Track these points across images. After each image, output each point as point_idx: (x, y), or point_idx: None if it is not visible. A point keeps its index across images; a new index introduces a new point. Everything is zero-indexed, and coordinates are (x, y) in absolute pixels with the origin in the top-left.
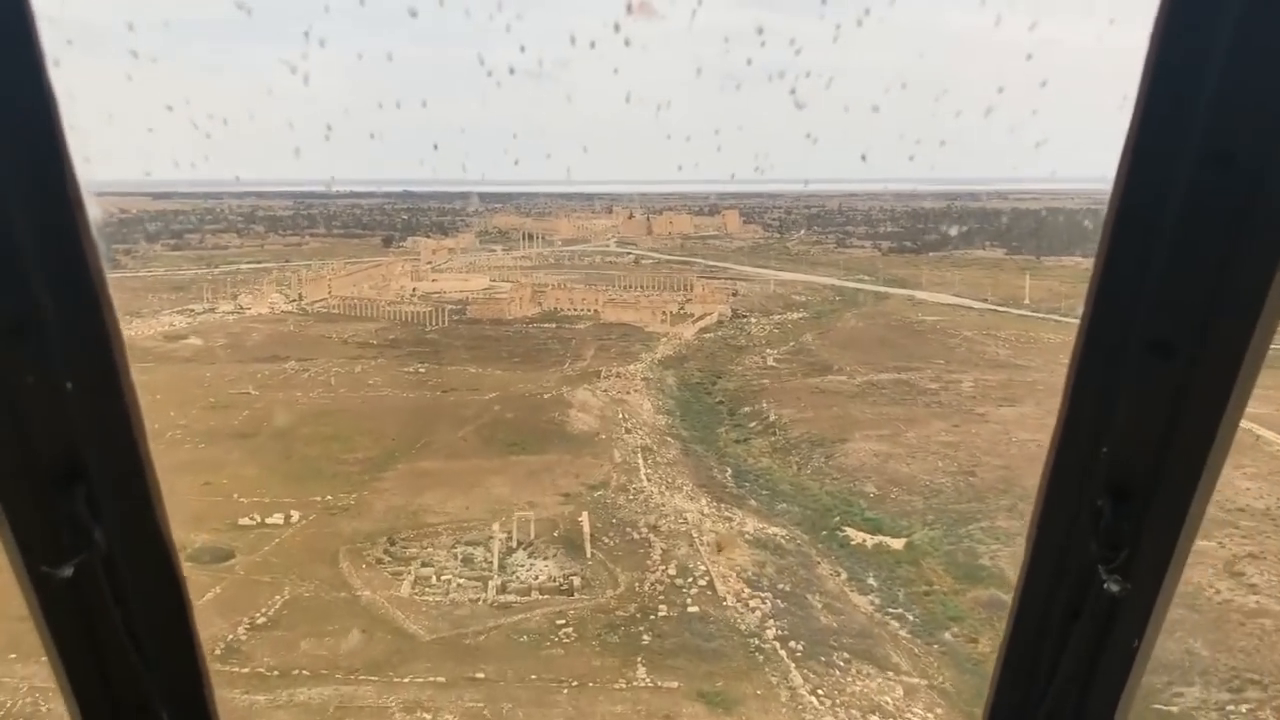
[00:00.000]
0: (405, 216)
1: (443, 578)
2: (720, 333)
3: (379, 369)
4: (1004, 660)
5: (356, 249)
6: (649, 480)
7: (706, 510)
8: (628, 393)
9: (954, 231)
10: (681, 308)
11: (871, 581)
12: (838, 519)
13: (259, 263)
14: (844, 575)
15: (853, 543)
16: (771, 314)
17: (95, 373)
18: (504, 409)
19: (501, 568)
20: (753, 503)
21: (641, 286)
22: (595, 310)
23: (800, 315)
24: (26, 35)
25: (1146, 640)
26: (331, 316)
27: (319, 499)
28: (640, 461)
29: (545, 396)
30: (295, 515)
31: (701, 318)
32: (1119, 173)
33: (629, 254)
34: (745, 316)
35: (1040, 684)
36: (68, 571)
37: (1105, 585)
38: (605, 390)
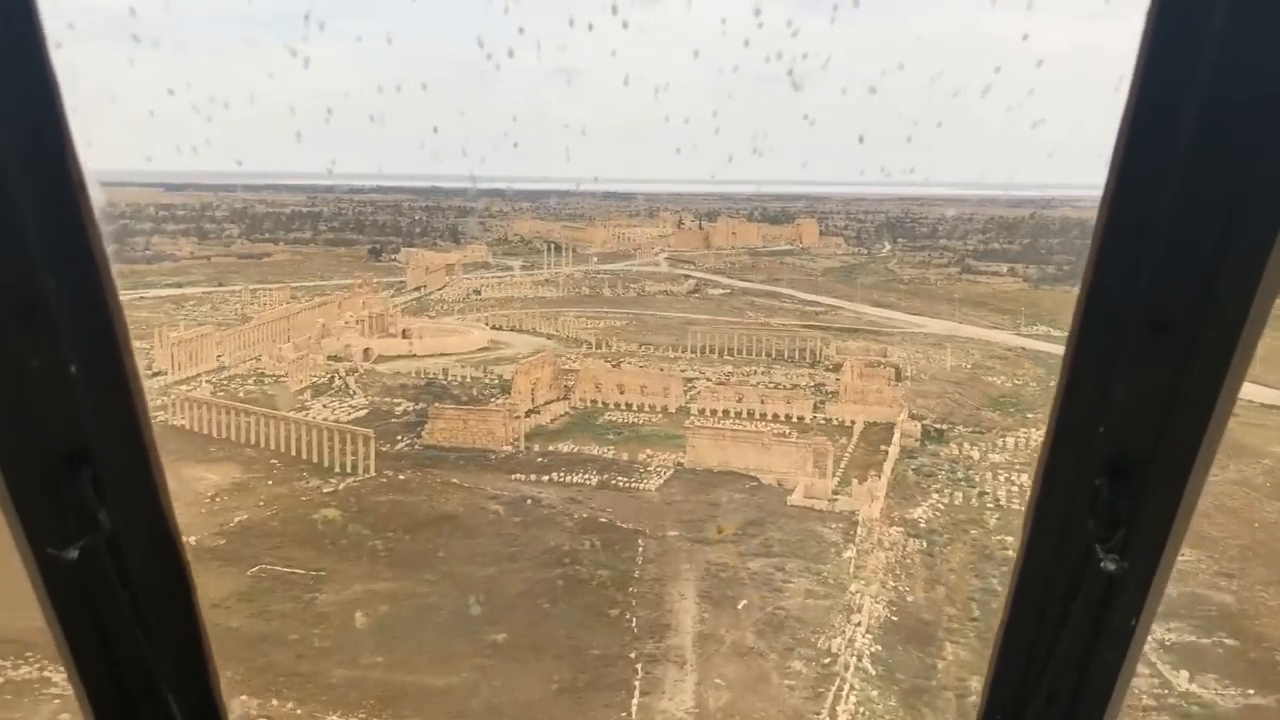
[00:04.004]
0: (419, 216)
1: None
2: (936, 500)
3: None
4: (1002, 641)
5: (332, 264)
6: None
7: None
8: None
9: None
10: (818, 409)
11: None
12: None
13: (181, 287)
14: None
15: None
16: (985, 427)
17: (99, 356)
18: None
19: None
20: None
21: (732, 350)
22: (666, 410)
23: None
24: (28, 17)
25: (1144, 619)
26: (169, 435)
27: None
28: None
29: None
30: None
31: (873, 443)
32: (1115, 150)
33: (687, 277)
34: (946, 437)
35: (1039, 664)
36: (73, 554)
37: (1102, 564)
38: None
